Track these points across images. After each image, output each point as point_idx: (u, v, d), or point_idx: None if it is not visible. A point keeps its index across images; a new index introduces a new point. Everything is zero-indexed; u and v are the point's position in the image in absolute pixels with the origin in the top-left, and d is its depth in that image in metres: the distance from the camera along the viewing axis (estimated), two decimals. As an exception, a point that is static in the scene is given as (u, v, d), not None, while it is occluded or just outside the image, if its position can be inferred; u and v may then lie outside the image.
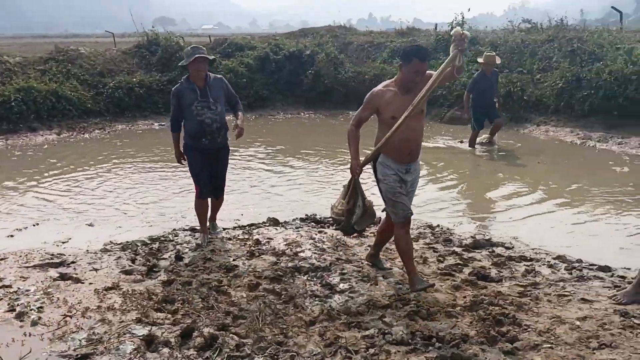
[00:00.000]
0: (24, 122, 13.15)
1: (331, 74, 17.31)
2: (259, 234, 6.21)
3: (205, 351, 3.67)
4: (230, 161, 6.31)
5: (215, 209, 6.39)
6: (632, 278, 4.74)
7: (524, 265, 5.39)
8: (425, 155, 6.34)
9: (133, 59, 16.99)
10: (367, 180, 4.81)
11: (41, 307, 4.35)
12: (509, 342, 3.77)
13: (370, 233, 6.04)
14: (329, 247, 5.76)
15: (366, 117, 4.70)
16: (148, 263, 5.32)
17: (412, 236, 5.17)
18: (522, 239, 6.20)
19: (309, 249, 5.67)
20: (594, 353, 3.62)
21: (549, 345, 3.72)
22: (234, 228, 6.54)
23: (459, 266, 5.32)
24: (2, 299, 4.50)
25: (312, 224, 6.67)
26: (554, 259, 5.58)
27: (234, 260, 5.42)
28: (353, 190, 4.82)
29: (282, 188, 8.64)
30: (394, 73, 16.38)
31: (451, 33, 4.43)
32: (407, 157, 4.63)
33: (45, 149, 11.96)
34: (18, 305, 4.37)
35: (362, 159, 4.75)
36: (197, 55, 5.67)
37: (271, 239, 6.04)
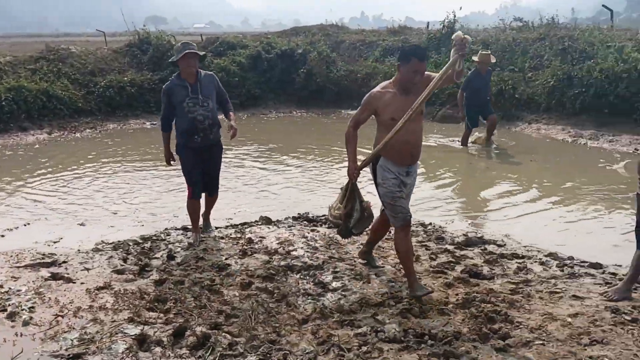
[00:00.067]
0: (15, 122, 13.09)
1: (323, 73, 17.31)
2: (251, 233, 6.20)
3: (198, 350, 3.67)
4: (222, 159, 6.29)
5: (209, 206, 6.36)
6: (623, 275, 4.77)
7: (516, 262, 5.40)
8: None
9: (124, 58, 16.95)
10: (363, 179, 4.78)
11: (32, 307, 4.33)
12: (501, 339, 3.79)
13: (365, 231, 6.04)
14: (321, 246, 5.76)
15: (364, 118, 4.63)
16: (140, 262, 5.30)
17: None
18: (514, 237, 6.22)
19: (302, 248, 5.67)
20: (585, 349, 3.64)
21: (541, 342, 3.74)
22: (227, 227, 6.53)
23: (452, 264, 5.33)
24: (-7, 299, 4.48)
25: (305, 222, 6.66)
26: (546, 256, 5.60)
27: (226, 259, 5.41)
28: (350, 193, 4.75)
29: (274, 187, 8.63)
30: (385, 72, 16.50)
31: (452, 37, 4.37)
32: (408, 160, 4.57)
33: (37, 148, 11.90)
34: (9, 305, 4.35)
35: (361, 158, 4.70)
36: (187, 51, 5.62)
37: (264, 237, 6.03)
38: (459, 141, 11.52)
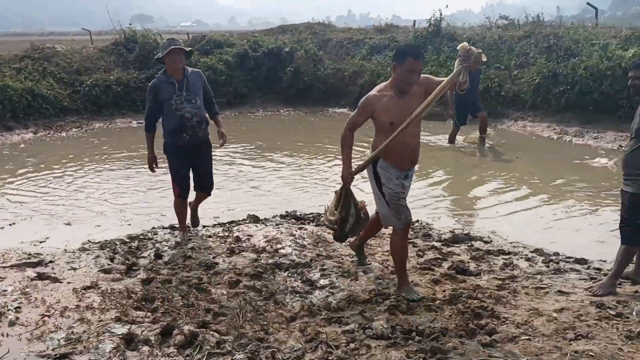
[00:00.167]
0: (0, 121, 12.96)
1: (310, 71, 17.30)
2: (239, 231, 6.19)
3: (186, 349, 3.66)
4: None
5: (200, 200, 6.27)
6: (608, 270, 4.82)
7: (502, 258, 5.45)
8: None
9: (110, 57, 16.84)
10: (357, 177, 4.75)
11: (19, 307, 4.29)
12: (488, 335, 3.81)
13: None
14: (309, 244, 5.77)
15: (361, 122, 4.54)
16: (127, 262, 5.28)
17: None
18: (501, 233, 6.28)
19: (290, 246, 5.68)
20: (571, 344, 3.67)
21: (527, 337, 3.77)
22: (214, 225, 6.53)
23: (438, 260, 5.36)
24: (-22, 299, 4.44)
25: (293, 220, 6.67)
26: (532, 252, 5.66)
27: (214, 257, 5.40)
28: (345, 199, 4.70)
29: (262, 185, 8.63)
30: (372, 69, 16.53)
31: (457, 47, 4.25)
32: (408, 164, 4.54)
33: (22, 148, 11.80)
34: (-5, 305, 4.32)
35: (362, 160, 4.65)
36: (172, 47, 5.50)
37: (251, 236, 6.03)
38: (446, 139, 11.56)
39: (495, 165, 9.91)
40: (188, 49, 5.83)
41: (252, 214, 6.81)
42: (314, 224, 6.51)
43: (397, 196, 4.46)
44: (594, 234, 6.29)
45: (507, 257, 5.50)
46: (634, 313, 3.65)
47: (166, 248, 5.74)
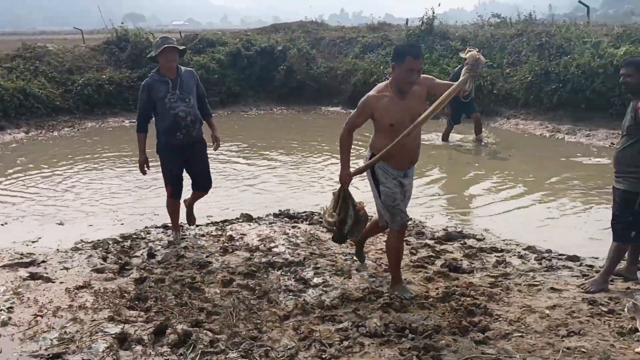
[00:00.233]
0: (-9, 121, 12.90)
1: (303, 70, 17.28)
2: (232, 230, 6.19)
3: (179, 348, 3.65)
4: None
5: (196, 198, 6.22)
6: (600, 267, 4.85)
7: (495, 256, 5.47)
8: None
9: (102, 56, 16.77)
10: (355, 178, 4.72)
11: (11, 307, 4.27)
12: (481, 332, 3.83)
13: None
14: (302, 242, 5.77)
15: (360, 122, 4.46)
16: (120, 261, 5.27)
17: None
18: (493, 231, 6.30)
19: (283, 244, 5.68)
20: (563, 340, 3.69)
21: (520, 334, 3.79)
22: (207, 224, 6.52)
23: (432, 258, 5.38)
24: (-30, 300, 4.42)
25: (286, 219, 6.67)
26: (524, 249, 5.68)
27: (207, 256, 5.39)
28: (343, 200, 4.62)
29: (255, 184, 8.62)
30: (365, 68, 16.52)
31: (466, 55, 4.24)
32: (406, 164, 4.49)
33: (14, 147, 11.75)
34: (-13, 306, 4.30)
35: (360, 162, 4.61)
36: (166, 45, 5.45)
37: (245, 234, 6.02)
38: (439, 137, 11.58)
39: (488, 163, 9.94)
40: (181, 47, 5.79)
41: (245, 212, 6.80)
42: (308, 222, 6.51)
43: (394, 197, 4.41)
44: (586, 232, 6.32)
45: (499, 254, 5.52)
46: (626, 309, 3.66)
47: (159, 247, 5.73)
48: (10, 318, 4.09)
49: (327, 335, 3.80)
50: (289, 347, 3.65)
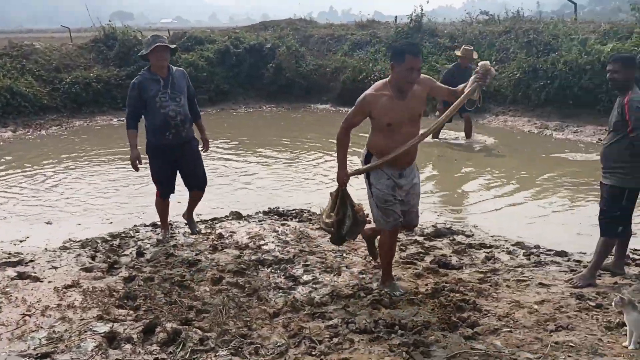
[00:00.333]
0: (-22, 120, 12.80)
1: (292, 67, 17.25)
2: (221, 228, 6.18)
3: (169, 346, 3.65)
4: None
5: (194, 203, 6.13)
6: (588, 262, 4.87)
7: (484, 252, 5.49)
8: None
9: (90, 54, 16.68)
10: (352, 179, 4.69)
11: (-1, 307, 4.26)
12: (470, 328, 3.85)
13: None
14: (292, 240, 5.77)
15: (357, 121, 4.40)
16: (109, 260, 5.24)
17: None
18: (482, 227, 6.33)
19: (272, 242, 5.68)
20: (551, 335, 3.71)
21: (508, 329, 3.81)
22: (197, 222, 6.48)
23: (421, 254, 5.40)
24: (-43, 300, 4.38)
25: (275, 217, 6.66)
26: (513, 245, 5.72)
27: (196, 254, 5.38)
28: (341, 200, 4.55)
29: (244, 181, 8.61)
30: (354, 65, 16.52)
31: (479, 64, 4.25)
32: (404, 164, 4.43)
33: (1, 146, 11.66)
34: (-26, 306, 4.27)
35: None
36: (157, 44, 5.40)
37: (234, 232, 6.02)
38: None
39: (477, 159, 9.97)
40: (173, 46, 5.75)
41: (234, 210, 6.79)
42: (297, 220, 6.51)
43: (384, 198, 4.34)
44: (574, 227, 6.36)
45: (488, 250, 5.54)
46: (613, 304, 3.69)
47: (148, 246, 5.70)
48: (-2, 318, 4.07)
49: (317, 332, 3.81)
50: (278, 344, 3.65)
